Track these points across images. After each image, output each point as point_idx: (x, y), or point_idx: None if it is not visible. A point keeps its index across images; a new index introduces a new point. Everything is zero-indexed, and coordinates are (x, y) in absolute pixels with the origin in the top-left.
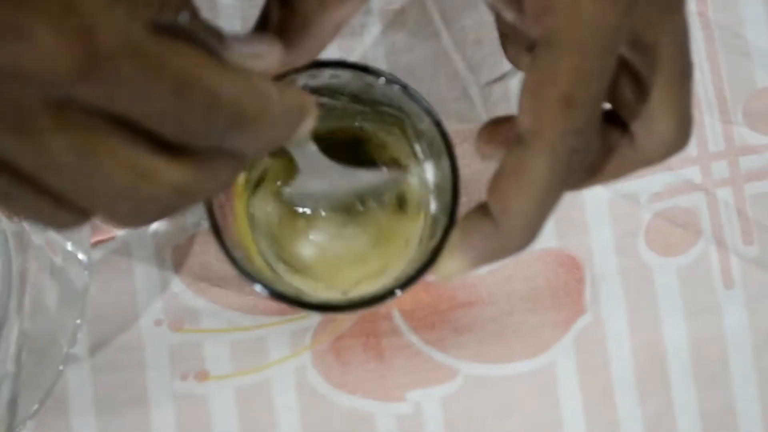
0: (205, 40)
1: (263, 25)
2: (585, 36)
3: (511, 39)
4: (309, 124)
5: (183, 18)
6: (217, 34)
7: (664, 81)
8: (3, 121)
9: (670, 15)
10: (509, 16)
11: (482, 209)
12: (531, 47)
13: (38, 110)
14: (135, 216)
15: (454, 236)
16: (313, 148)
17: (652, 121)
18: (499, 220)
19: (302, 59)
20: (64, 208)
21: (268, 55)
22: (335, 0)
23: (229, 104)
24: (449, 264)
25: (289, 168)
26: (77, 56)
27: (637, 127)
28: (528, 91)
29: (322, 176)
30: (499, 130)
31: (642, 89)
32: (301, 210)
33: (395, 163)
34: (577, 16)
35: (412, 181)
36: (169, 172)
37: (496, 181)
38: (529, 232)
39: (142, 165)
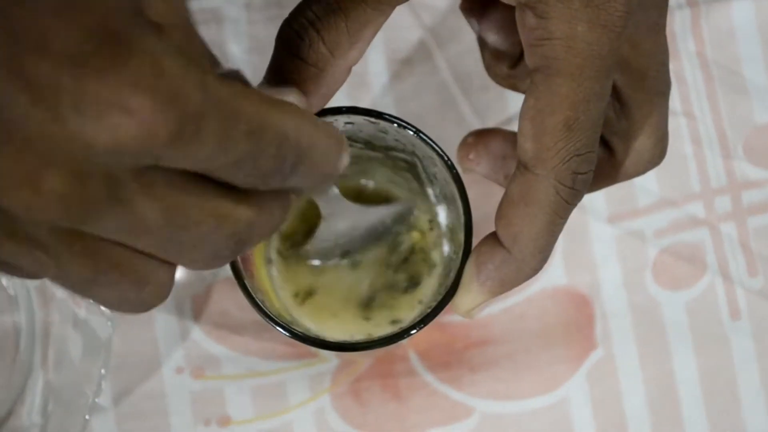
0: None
1: (274, 77)
2: (582, 62)
3: (494, 58)
4: (346, 157)
5: (228, 69)
6: (245, 81)
7: (646, 99)
8: (96, 196)
9: (655, 36)
10: (496, 41)
11: (492, 239)
12: (513, 65)
13: (127, 179)
14: (214, 258)
15: (468, 270)
16: (336, 191)
17: (633, 137)
18: (510, 247)
19: (316, 107)
20: (150, 274)
21: (300, 103)
22: (344, 46)
23: (294, 139)
24: (467, 297)
25: (306, 217)
26: (172, 121)
27: (617, 144)
28: (528, 118)
29: (343, 218)
30: (481, 140)
31: (623, 107)
32: (318, 263)
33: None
34: (574, 43)
35: (424, 223)
36: (241, 211)
37: (504, 210)
38: (541, 255)
39: (220, 209)
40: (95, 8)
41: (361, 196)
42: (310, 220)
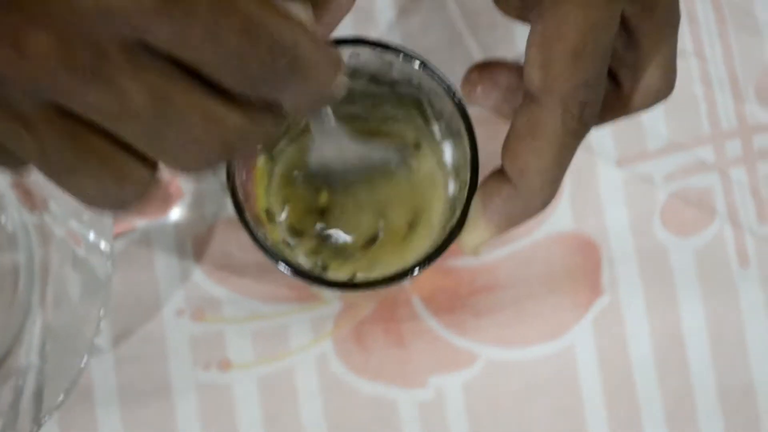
0: None
1: None
2: None
3: None
4: (343, 82)
5: None
6: None
7: (656, 30)
8: (81, 66)
9: None
10: None
11: (499, 174)
12: None
13: (115, 54)
14: (199, 161)
15: (475, 205)
16: (329, 113)
17: (641, 69)
18: (517, 181)
19: (321, 36)
20: (130, 167)
21: (306, 19)
22: None
23: (291, 48)
24: (474, 234)
25: (304, 156)
26: None
27: (625, 76)
28: (535, 46)
29: (336, 146)
30: (486, 73)
31: (631, 38)
32: (316, 187)
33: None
34: None
35: (427, 160)
36: (233, 115)
37: (510, 143)
38: (549, 189)
39: (211, 109)
40: None
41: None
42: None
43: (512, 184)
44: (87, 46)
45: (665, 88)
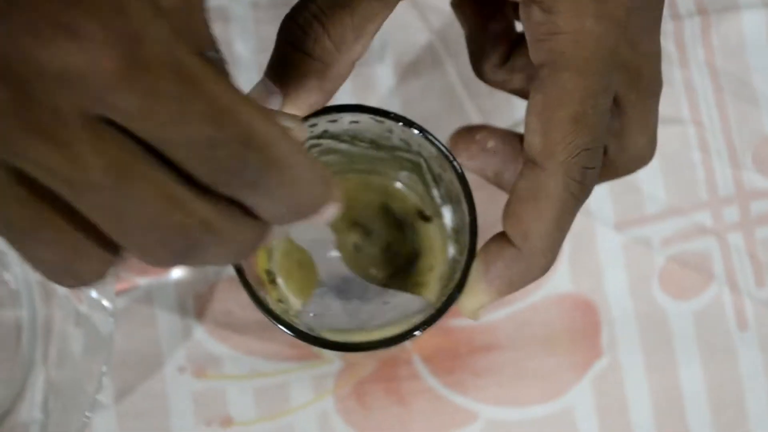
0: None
1: (276, 72)
2: (590, 56)
3: (483, 54)
4: (333, 210)
5: (219, 57)
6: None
7: (641, 99)
8: (39, 127)
9: (651, 35)
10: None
11: (500, 238)
12: (503, 62)
13: (77, 121)
14: (161, 249)
15: (476, 269)
16: (334, 255)
17: (626, 136)
18: (520, 244)
19: (320, 102)
20: (88, 248)
21: (297, 131)
22: (350, 41)
23: (264, 147)
24: (474, 298)
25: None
26: (122, 60)
27: (611, 142)
28: (535, 114)
29: (340, 289)
30: (468, 136)
31: (617, 106)
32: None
33: (416, 213)
34: (582, 38)
35: (428, 225)
36: (199, 204)
37: (512, 207)
38: (551, 252)
39: (174, 194)
40: None
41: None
42: None
43: (514, 247)
44: (46, 107)
45: (649, 153)
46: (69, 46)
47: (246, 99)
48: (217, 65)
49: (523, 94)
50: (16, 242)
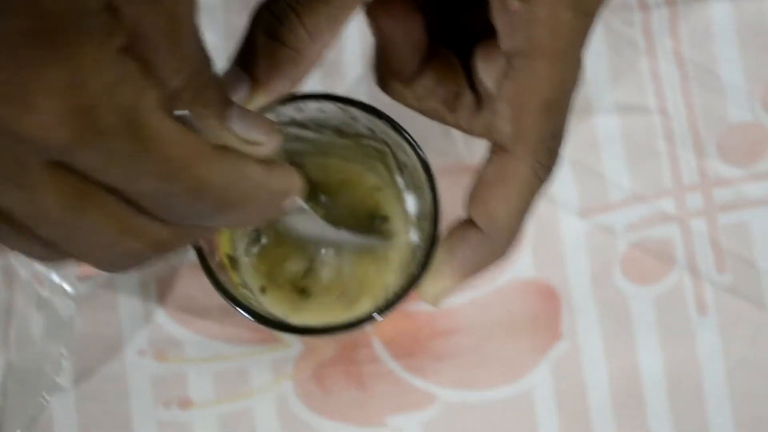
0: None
1: (246, 58)
2: (565, 47)
3: (389, 67)
4: (291, 204)
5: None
6: (224, 100)
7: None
8: (3, 172)
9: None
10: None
11: (464, 224)
12: (410, 79)
13: (36, 167)
14: (112, 265)
15: (440, 254)
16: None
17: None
18: (486, 228)
19: (288, 89)
20: (50, 251)
21: (267, 144)
22: (323, 30)
23: (217, 195)
24: (437, 283)
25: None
26: (73, 130)
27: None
28: (506, 101)
29: (308, 226)
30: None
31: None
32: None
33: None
34: (559, 28)
35: (397, 235)
36: (151, 230)
37: (478, 191)
38: (515, 235)
39: (127, 222)
40: None
41: (326, 184)
42: None
43: (480, 232)
44: (9, 156)
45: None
46: (23, 117)
47: (202, 150)
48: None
49: (427, 112)
50: None
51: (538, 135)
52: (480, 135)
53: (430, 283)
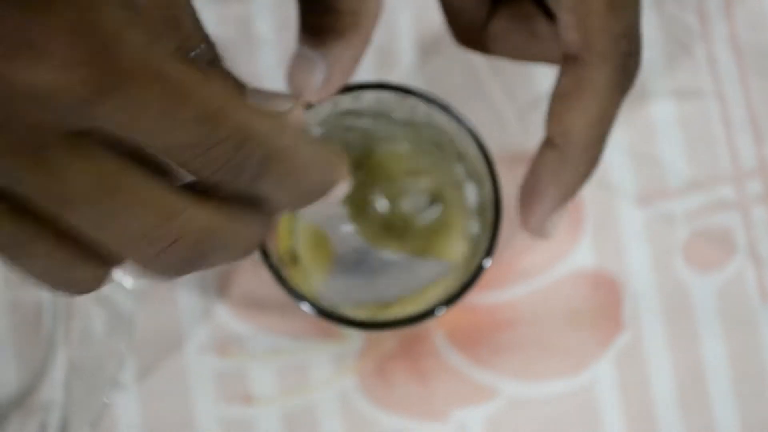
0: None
1: (309, 36)
2: None
3: (460, 24)
4: (343, 188)
5: (210, 51)
6: (238, 84)
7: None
8: (18, 146)
9: None
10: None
11: (544, 145)
12: (483, 26)
13: (56, 139)
14: (160, 262)
15: (526, 184)
16: (349, 229)
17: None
18: (562, 144)
19: (360, 55)
20: (81, 257)
21: (290, 114)
22: None
23: (262, 141)
24: (533, 212)
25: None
26: (94, 75)
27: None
28: (568, 9)
29: (356, 260)
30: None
31: None
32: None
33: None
34: None
35: (449, 200)
36: (197, 212)
37: (553, 107)
38: (596, 146)
39: (167, 204)
40: None
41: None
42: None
43: (558, 149)
44: (23, 126)
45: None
46: (35, 65)
47: (235, 95)
48: (209, 61)
49: (510, 54)
50: (9, 255)
51: (608, 37)
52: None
53: (528, 216)
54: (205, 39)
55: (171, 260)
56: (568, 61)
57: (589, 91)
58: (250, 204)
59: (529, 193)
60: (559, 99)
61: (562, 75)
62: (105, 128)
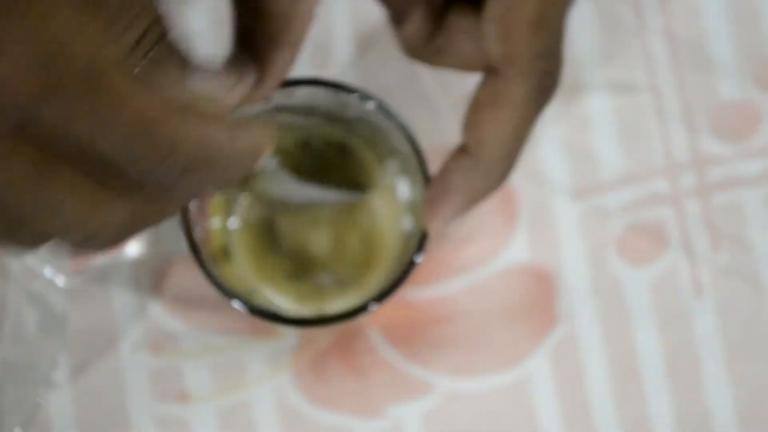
0: (169, 69)
1: (242, 40)
2: None
3: (406, 35)
4: (263, 160)
5: (156, 31)
6: (182, 60)
7: None
8: None
9: None
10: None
11: (459, 150)
12: (430, 37)
13: (2, 133)
14: (88, 242)
15: (435, 184)
16: (273, 164)
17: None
18: (477, 152)
19: (293, 58)
20: (22, 231)
21: (227, 95)
22: None
23: (188, 150)
24: (437, 213)
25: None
26: (35, 79)
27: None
28: (494, 20)
29: (285, 191)
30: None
31: None
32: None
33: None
34: None
35: (381, 194)
36: (123, 202)
37: (471, 116)
38: (508, 160)
39: (95, 196)
40: None
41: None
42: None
43: (471, 157)
44: None
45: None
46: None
47: (169, 105)
48: (158, 37)
49: (458, 66)
50: None
51: (529, 54)
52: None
53: (431, 215)
54: (155, 16)
55: (95, 242)
56: (488, 71)
57: (505, 106)
58: (174, 189)
59: (437, 193)
60: (476, 108)
61: (483, 84)
62: (42, 124)
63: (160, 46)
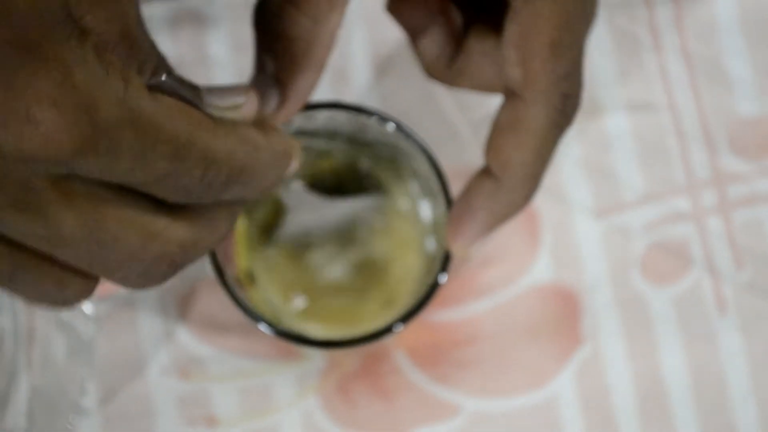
0: (186, 96)
1: (263, 65)
2: None
3: (428, 58)
4: (295, 165)
5: (167, 78)
6: (192, 87)
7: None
8: (10, 200)
9: None
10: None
11: (481, 173)
12: (453, 59)
13: (44, 187)
14: (145, 277)
15: (458, 205)
16: (298, 185)
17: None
18: (500, 175)
19: (315, 80)
20: (71, 279)
21: (245, 106)
22: (324, 10)
23: (225, 161)
24: (461, 235)
25: (278, 212)
26: (78, 134)
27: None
28: (512, 45)
29: (309, 211)
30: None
31: None
32: (297, 248)
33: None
34: None
35: (404, 216)
36: (174, 229)
37: (493, 139)
38: (532, 182)
39: (148, 227)
40: (16, 13)
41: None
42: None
43: (495, 179)
44: (12, 181)
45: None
46: (28, 133)
47: (201, 120)
48: (167, 90)
49: (478, 88)
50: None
51: (549, 77)
52: None
53: (455, 237)
54: (158, 55)
55: (152, 276)
56: (508, 94)
57: (527, 129)
58: (215, 207)
59: (460, 214)
60: (498, 131)
61: (504, 108)
62: (86, 173)
63: (172, 82)
